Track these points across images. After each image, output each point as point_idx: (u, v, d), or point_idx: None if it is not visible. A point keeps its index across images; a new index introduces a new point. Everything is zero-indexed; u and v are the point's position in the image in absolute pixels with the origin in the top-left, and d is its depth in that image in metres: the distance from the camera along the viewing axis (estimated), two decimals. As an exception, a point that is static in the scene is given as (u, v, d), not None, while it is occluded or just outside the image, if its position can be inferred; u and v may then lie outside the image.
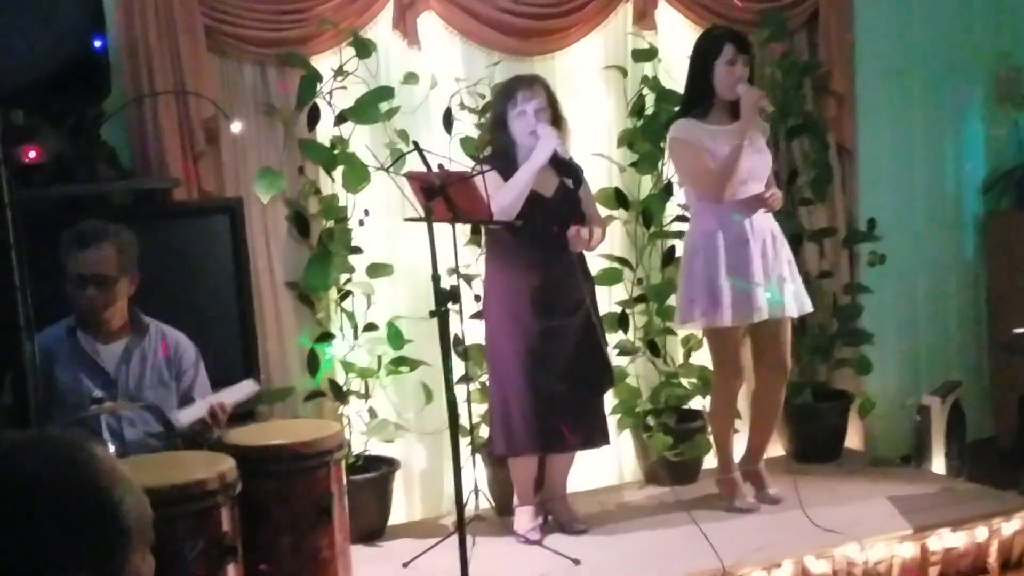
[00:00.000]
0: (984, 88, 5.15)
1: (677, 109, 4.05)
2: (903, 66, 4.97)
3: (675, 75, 4.40)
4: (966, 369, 5.17)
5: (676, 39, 4.49)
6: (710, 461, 4.37)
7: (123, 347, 3.12)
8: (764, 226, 3.89)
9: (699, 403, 4.47)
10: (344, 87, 3.93)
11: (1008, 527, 3.85)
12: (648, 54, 4.38)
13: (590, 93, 4.45)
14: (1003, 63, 5.09)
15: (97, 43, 1.96)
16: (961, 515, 3.87)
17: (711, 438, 4.24)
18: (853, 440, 4.77)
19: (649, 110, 4.38)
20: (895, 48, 4.94)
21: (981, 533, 3.82)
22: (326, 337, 3.96)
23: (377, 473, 3.94)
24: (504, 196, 3.62)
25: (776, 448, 4.63)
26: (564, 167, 3.78)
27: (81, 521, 1.18)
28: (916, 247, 5.07)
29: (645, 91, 4.39)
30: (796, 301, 3.94)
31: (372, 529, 3.91)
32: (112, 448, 2.77)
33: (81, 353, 3.06)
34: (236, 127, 3.74)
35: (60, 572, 1.16)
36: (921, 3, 4.99)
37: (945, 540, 3.77)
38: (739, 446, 4.20)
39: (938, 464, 4.50)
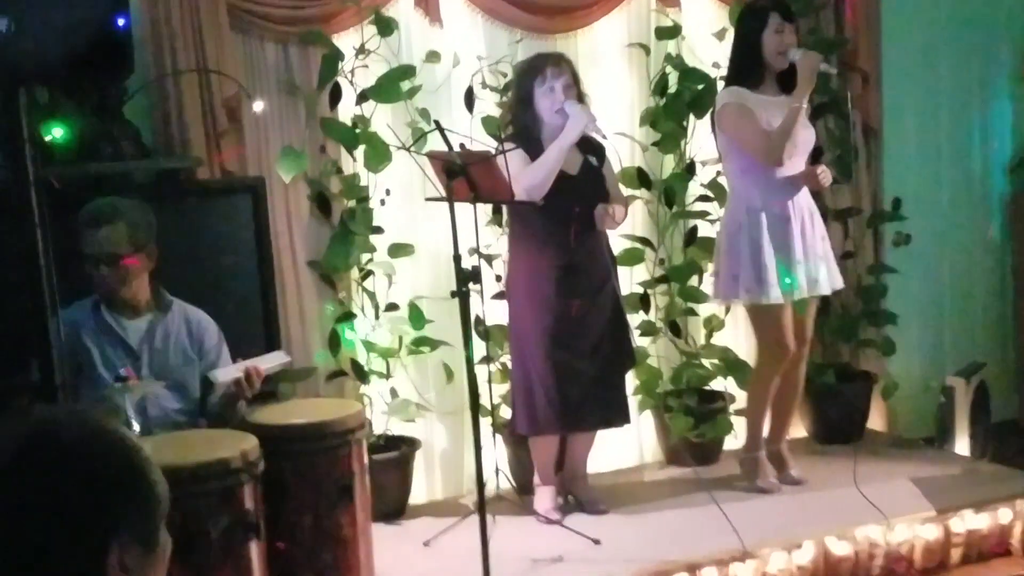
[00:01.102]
0: (1012, 67, 5.09)
1: (723, 80, 3.99)
2: (930, 44, 4.91)
3: (699, 53, 4.37)
4: (991, 350, 5.13)
5: (700, 17, 4.45)
6: (731, 442, 4.36)
7: (147, 323, 3.14)
8: (803, 204, 3.87)
9: (720, 384, 4.46)
10: (366, 66, 3.92)
11: (1032, 509, 3.83)
12: (671, 32, 4.34)
13: (613, 71, 4.42)
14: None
15: (120, 21, 1.96)
16: (984, 496, 3.85)
17: (734, 418, 4.23)
18: (876, 421, 4.75)
19: (672, 88, 4.35)
20: (922, 25, 4.89)
21: (1005, 515, 3.80)
22: (347, 317, 3.97)
23: (398, 452, 3.96)
24: (534, 174, 3.60)
25: (799, 429, 4.62)
26: (587, 144, 3.75)
27: (127, 486, 1.23)
28: (942, 227, 5.03)
29: (668, 69, 4.36)
30: (829, 279, 3.93)
31: (393, 508, 3.93)
32: (136, 425, 2.79)
33: (106, 327, 3.08)
34: (258, 106, 3.74)
35: (117, 535, 1.21)
36: (948, -20, 4.94)
37: (968, 522, 3.75)
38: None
39: (962, 445, 4.48)
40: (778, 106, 3.78)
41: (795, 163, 3.83)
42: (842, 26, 4.65)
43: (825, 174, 3.85)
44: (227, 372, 3.08)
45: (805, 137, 3.86)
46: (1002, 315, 5.22)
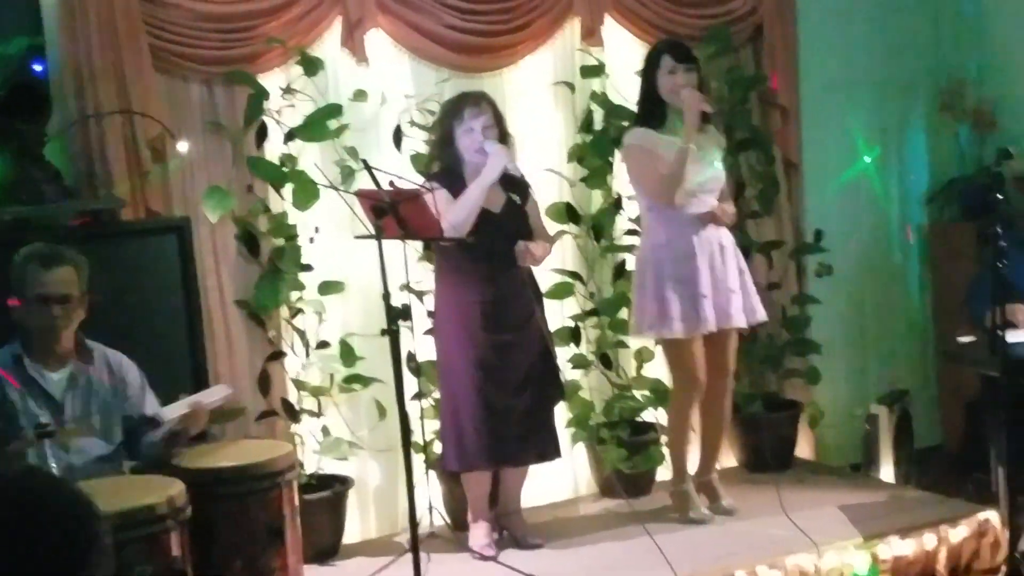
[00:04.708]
0: (926, 101, 5.24)
1: (631, 123, 4.08)
2: (847, 80, 5.05)
3: (623, 91, 4.44)
4: (913, 377, 5.25)
5: (623, 55, 4.53)
6: (664, 473, 4.39)
7: (68, 373, 3.09)
8: (712, 238, 3.93)
9: (652, 415, 4.51)
10: (292, 105, 3.93)
11: (956, 534, 3.91)
12: (596, 70, 4.42)
13: (540, 109, 4.47)
14: (945, 76, 5.19)
15: (37, 67, 1.95)
16: (910, 522, 3.92)
17: (665, 449, 4.27)
18: (804, 449, 4.83)
19: (598, 126, 4.42)
20: (839, 62, 5.02)
21: (930, 540, 3.86)
22: (277, 355, 3.95)
23: (330, 492, 3.92)
24: (455, 213, 3.64)
25: (729, 458, 4.68)
26: (510, 182, 3.79)
27: (91, 538, 1.26)
28: (862, 258, 5.15)
29: (594, 107, 4.43)
30: (745, 311, 3.98)
31: (326, 548, 3.89)
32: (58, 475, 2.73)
33: (28, 380, 3.02)
34: (183, 146, 3.72)
35: None
36: (864, 18, 5.08)
37: (894, 548, 3.81)
38: (692, 458, 4.23)
39: (887, 472, 4.57)
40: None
41: (703, 200, 3.90)
42: (761, 64, 4.77)
43: (726, 213, 3.91)
44: (173, 410, 3.06)
45: (710, 175, 3.91)
46: (923, 343, 5.35)
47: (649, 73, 3.93)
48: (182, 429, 3.07)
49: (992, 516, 3.94)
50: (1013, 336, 3.46)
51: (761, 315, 4.06)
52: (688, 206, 3.87)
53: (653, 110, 3.92)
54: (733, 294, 3.93)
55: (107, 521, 1.27)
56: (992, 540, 3.93)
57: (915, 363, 5.33)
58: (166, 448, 3.10)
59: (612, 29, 4.50)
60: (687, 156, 3.78)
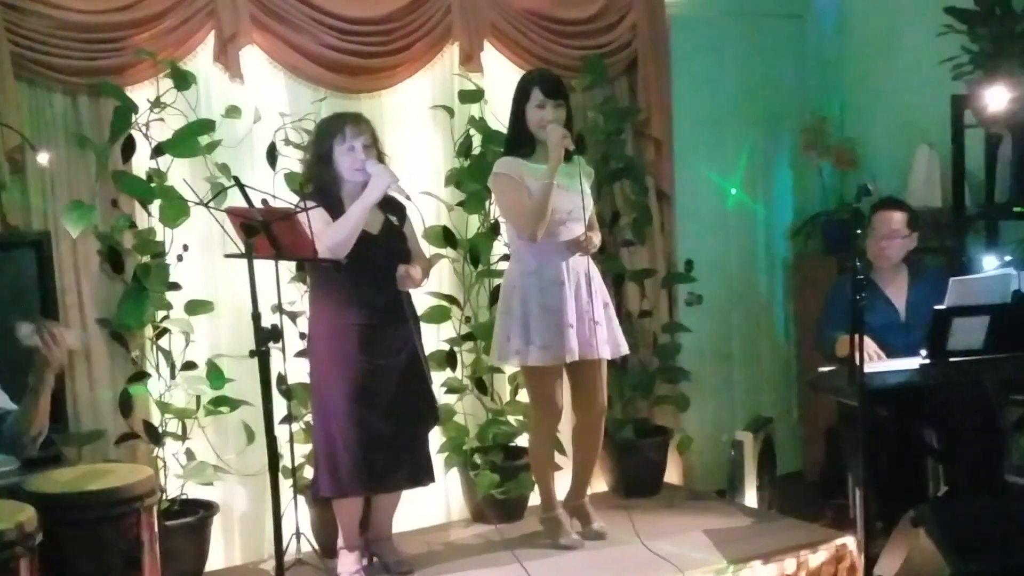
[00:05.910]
0: (791, 138, 5.44)
1: (503, 150, 4.12)
2: (717, 115, 5.20)
3: (501, 116, 4.47)
4: (777, 405, 5.41)
5: (501, 81, 4.56)
6: (535, 498, 4.40)
7: None
8: (579, 268, 3.96)
9: (525, 440, 4.52)
10: (162, 119, 3.83)
11: (815, 559, 4.00)
12: (474, 95, 4.44)
13: (418, 132, 4.47)
14: (809, 115, 5.39)
15: None
16: (772, 547, 4.00)
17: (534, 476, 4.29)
18: (672, 475, 4.91)
19: (476, 150, 4.44)
20: (710, 97, 5.17)
21: (790, 565, 3.95)
22: (140, 376, 3.82)
23: (194, 518, 3.82)
24: (336, 233, 3.59)
25: (600, 483, 4.72)
26: (388, 204, 3.77)
27: None
28: (730, 288, 5.30)
29: (472, 132, 4.44)
30: (610, 344, 4.01)
31: (187, 576, 3.78)
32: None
33: None
34: (43, 158, 3.59)
35: None
36: (733, 56, 5.26)
37: (757, 572, 3.89)
38: (565, 483, 4.26)
39: (751, 497, 4.68)
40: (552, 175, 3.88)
41: (570, 229, 3.94)
42: (635, 96, 4.87)
43: (588, 240, 3.95)
44: (21, 326, 2.83)
45: (578, 204, 3.90)
46: (786, 372, 5.53)
47: (519, 103, 3.95)
48: (43, 350, 2.80)
49: (849, 541, 4.06)
50: (870, 367, 3.59)
51: (623, 349, 4.10)
52: (557, 234, 3.90)
53: (522, 139, 3.94)
54: (598, 325, 3.95)
55: None
56: (849, 565, 4.05)
57: (779, 391, 5.50)
58: (33, 399, 2.85)
59: (491, 56, 4.54)
60: (550, 192, 3.80)
